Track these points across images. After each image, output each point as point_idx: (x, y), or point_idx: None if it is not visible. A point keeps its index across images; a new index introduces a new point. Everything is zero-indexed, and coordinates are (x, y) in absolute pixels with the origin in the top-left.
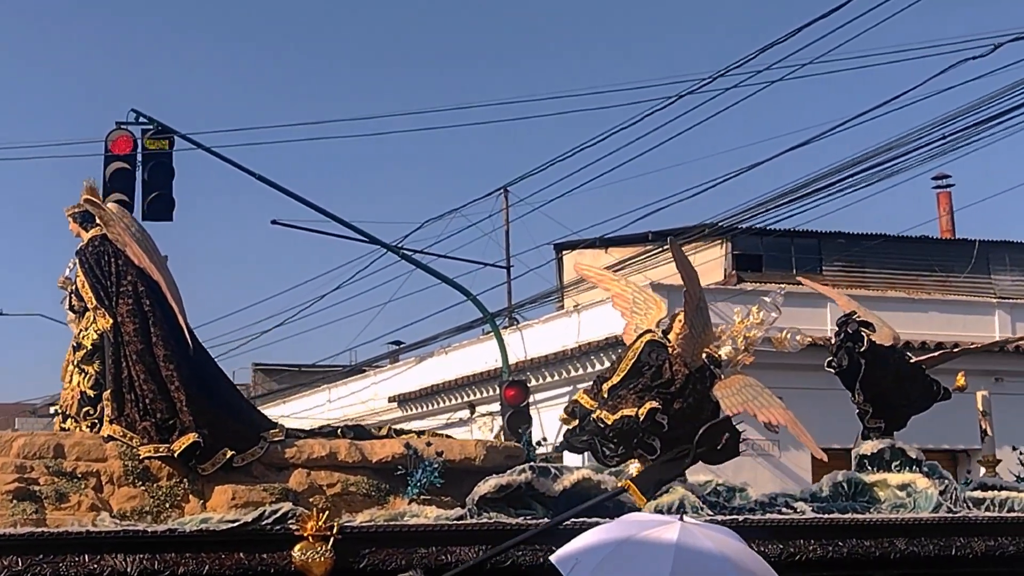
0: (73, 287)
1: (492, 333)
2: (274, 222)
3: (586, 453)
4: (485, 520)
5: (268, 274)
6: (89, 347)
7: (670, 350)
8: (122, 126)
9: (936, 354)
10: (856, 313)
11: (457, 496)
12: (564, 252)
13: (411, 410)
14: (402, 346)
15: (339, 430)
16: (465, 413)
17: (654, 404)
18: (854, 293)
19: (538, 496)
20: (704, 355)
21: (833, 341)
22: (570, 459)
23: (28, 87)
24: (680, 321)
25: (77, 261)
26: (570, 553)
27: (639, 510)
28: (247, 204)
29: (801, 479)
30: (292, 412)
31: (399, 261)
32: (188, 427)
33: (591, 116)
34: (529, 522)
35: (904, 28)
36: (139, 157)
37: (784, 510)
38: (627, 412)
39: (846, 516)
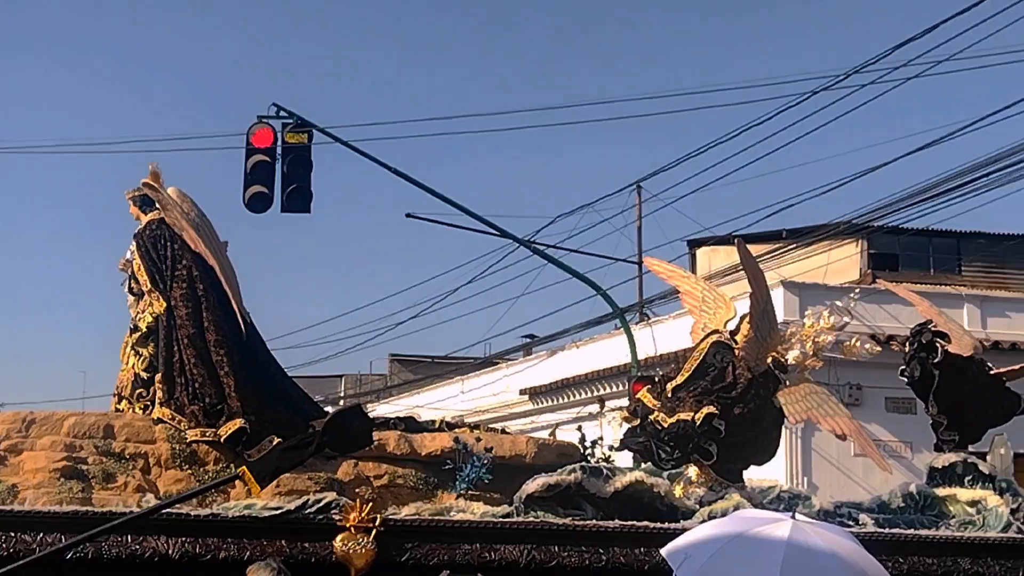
0: (131, 270)
1: (622, 328)
2: (408, 215)
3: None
4: (532, 519)
5: (404, 267)
6: (144, 330)
7: (736, 352)
8: (263, 120)
9: (1017, 367)
10: (932, 322)
11: (507, 493)
12: (697, 248)
13: (542, 403)
14: (535, 339)
15: (391, 421)
16: (595, 408)
17: (712, 409)
18: (994, 295)
19: (588, 496)
20: (770, 359)
21: (907, 350)
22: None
23: (172, 82)
24: (747, 323)
25: (135, 244)
26: (680, 547)
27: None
28: (383, 197)
29: None
30: (426, 402)
31: (532, 255)
32: (236, 413)
33: (725, 112)
34: (576, 523)
35: None
36: (279, 150)
37: (847, 522)
38: (684, 416)
39: (907, 532)
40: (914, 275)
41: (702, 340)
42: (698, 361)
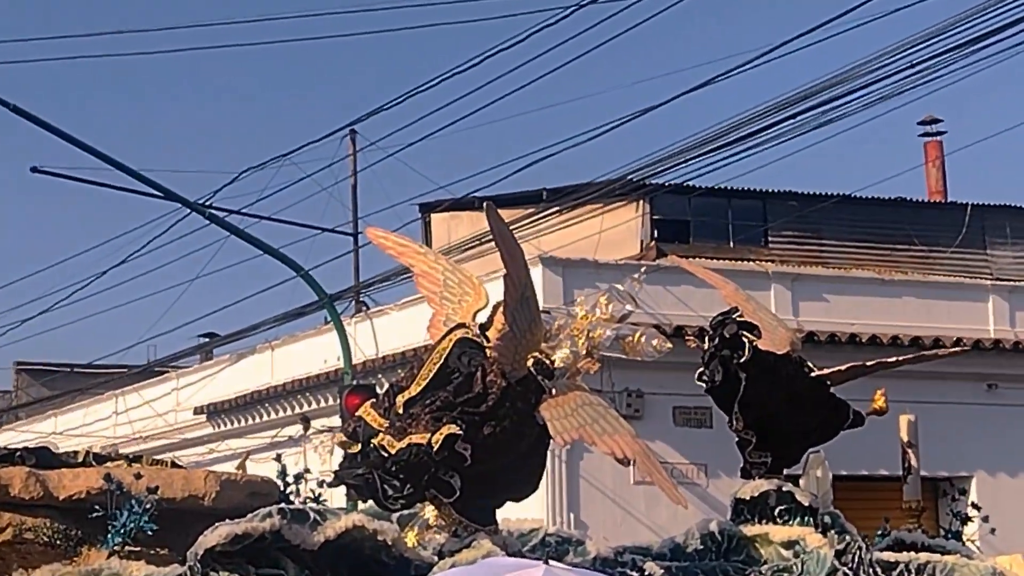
0: None
1: (332, 322)
2: (35, 170)
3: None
4: None
5: (32, 242)
6: None
7: (487, 353)
8: None
9: (844, 367)
10: (738, 311)
11: (178, 548)
12: (431, 213)
13: (225, 424)
14: (215, 339)
15: (17, 453)
16: (297, 429)
17: (454, 429)
18: (807, 272)
19: (290, 549)
20: (531, 361)
21: (706, 347)
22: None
23: None
24: (502, 314)
25: None
26: None
27: None
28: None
29: None
30: (66, 427)
31: (207, 224)
32: None
33: (464, 35)
34: None
35: None
36: None
37: (630, 572)
38: (418, 439)
39: None
40: (709, 247)
41: (443, 337)
42: (438, 365)
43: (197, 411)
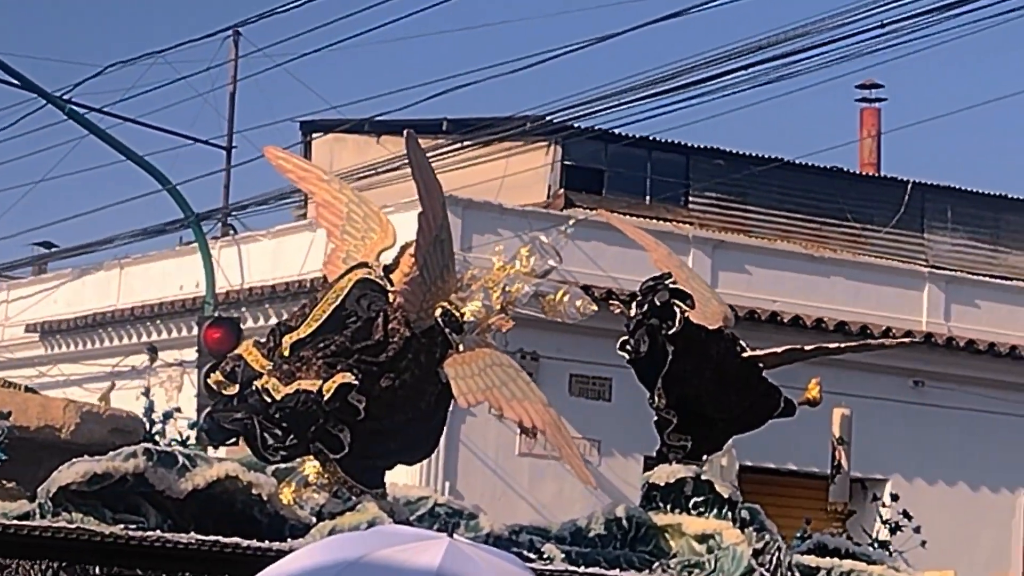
0: None
1: (196, 244)
2: None
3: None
4: (63, 524)
5: None
6: None
7: (391, 298)
8: None
9: (780, 350)
10: (671, 276)
11: (27, 483)
12: (315, 135)
13: (60, 347)
14: (55, 251)
15: None
16: (143, 359)
17: (348, 378)
18: (730, 239)
19: (153, 495)
20: (439, 311)
21: (632, 314)
22: None
23: None
24: (410, 256)
25: None
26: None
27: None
28: None
29: (627, 498)
30: None
31: (65, 120)
32: None
33: None
34: (132, 534)
35: None
36: None
37: (527, 553)
38: (307, 385)
39: (609, 574)
40: (622, 202)
41: (342, 276)
42: (333, 306)
43: (29, 328)
